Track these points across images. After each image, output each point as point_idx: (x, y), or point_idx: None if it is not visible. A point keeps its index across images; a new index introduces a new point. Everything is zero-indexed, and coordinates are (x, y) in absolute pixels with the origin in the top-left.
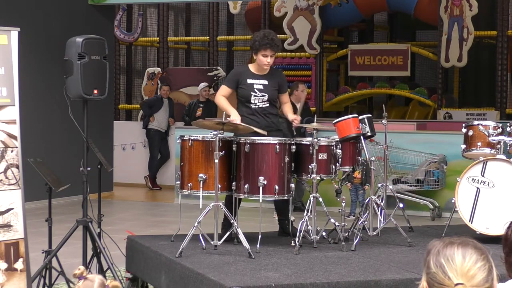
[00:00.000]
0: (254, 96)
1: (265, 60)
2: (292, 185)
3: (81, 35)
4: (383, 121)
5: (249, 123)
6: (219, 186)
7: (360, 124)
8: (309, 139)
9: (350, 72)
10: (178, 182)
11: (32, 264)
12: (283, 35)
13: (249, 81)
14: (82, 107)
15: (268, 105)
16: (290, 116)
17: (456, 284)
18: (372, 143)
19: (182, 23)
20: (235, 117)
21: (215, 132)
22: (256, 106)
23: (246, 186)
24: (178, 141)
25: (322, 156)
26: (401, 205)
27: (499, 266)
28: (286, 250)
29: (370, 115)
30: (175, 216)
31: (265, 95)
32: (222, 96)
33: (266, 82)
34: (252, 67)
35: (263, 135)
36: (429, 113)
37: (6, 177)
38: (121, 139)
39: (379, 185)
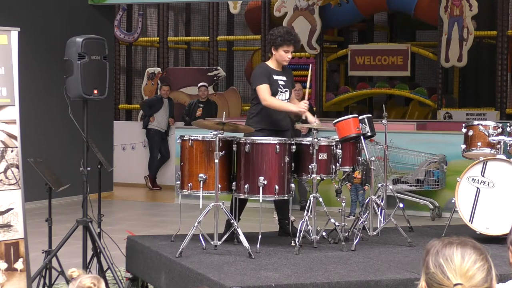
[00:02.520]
0: (280, 92)
1: (286, 56)
2: (292, 185)
3: (81, 35)
4: (383, 121)
5: (271, 122)
6: (219, 186)
7: (360, 124)
8: (309, 139)
9: (350, 72)
10: (178, 182)
11: (32, 264)
12: None
13: (275, 77)
14: (82, 107)
15: (288, 101)
16: (310, 118)
17: (455, 285)
18: (372, 143)
19: (182, 23)
20: (301, 108)
21: (215, 132)
22: None
23: (246, 186)
24: (178, 141)
25: (322, 156)
26: (401, 205)
27: (498, 266)
28: (286, 250)
29: (370, 115)
30: (175, 216)
31: (287, 90)
32: (270, 96)
33: (285, 78)
34: (271, 64)
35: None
36: (429, 113)
37: (6, 177)
38: (121, 139)
39: (379, 185)
